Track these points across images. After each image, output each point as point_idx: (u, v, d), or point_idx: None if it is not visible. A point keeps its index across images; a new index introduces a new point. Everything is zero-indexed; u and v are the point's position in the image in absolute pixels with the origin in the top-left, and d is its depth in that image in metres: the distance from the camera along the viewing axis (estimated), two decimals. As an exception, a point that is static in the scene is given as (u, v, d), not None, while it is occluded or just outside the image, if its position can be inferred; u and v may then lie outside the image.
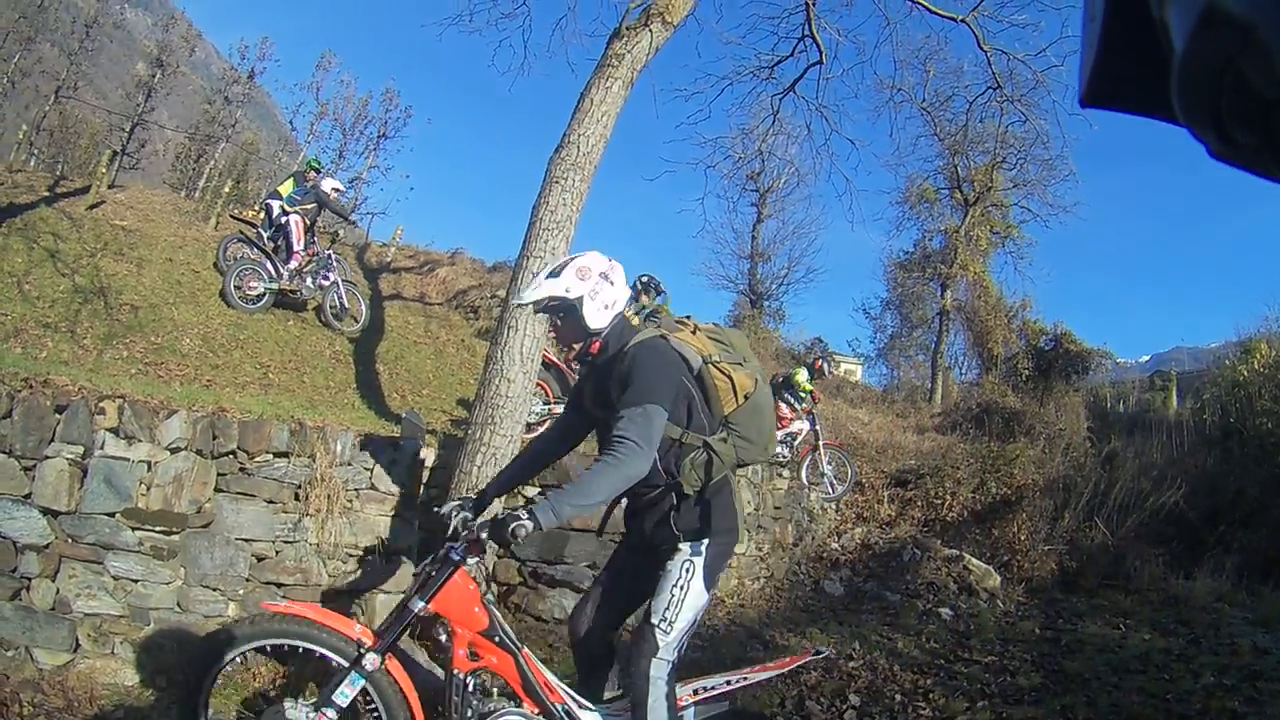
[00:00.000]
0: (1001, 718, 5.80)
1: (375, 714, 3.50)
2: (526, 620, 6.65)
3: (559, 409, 9.25)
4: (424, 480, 6.83)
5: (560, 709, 3.44)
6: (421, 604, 3.35)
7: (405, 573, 6.51)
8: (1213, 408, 19.12)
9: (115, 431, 5.47)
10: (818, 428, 11.55)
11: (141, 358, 9.20)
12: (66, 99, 24.00)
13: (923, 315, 27.83)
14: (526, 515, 3.18)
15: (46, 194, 13.55)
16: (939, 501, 11.87)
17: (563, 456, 4.24)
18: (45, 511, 5.23)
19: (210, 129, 24.47)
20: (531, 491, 7.07)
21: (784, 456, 10.98)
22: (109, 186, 14.58)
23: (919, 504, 11.93)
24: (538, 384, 8.09)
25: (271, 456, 6.06)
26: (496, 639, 3.46)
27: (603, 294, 3.50)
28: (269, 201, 12.14)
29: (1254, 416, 16.56)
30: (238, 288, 10.98)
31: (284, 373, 10.02)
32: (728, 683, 3.67)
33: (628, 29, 7.41)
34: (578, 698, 3.55)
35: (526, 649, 3.51)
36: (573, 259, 3.53)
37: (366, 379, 10.72)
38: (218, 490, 5.87)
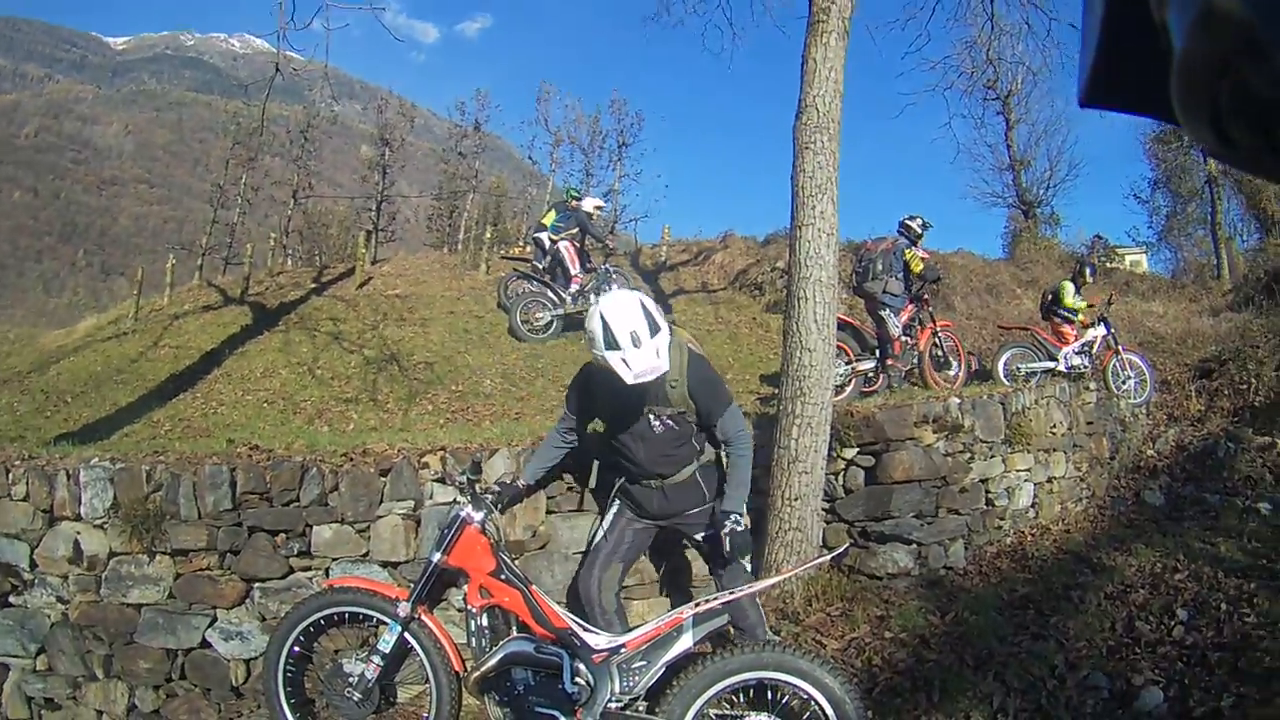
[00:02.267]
0: None
1: (419, 662, 4.19)
2: (860, 579, 6.71)
3: (861, 366, 9.33)
4: (749, 462, 6.97)
5: (566, 634, 3.80)
6: (439, 555, 4.09)
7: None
8: None
9: (443, 481, 5.73)
10: (1113, 331, 10.92)
11: (446, 407, 9.82)
12: (304, 199, 25.84)
13: (1192, 187, 25.84)
14: (741, 521, 4.41)
15: (314, 285, 14.76)
16: (1244, 386, 11.01)
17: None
18: (385, 564, 5.59)
19: (454, 184, 26.03)
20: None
21: (1085, 367, 10.47)
22: (372, 263, 15.69)
23: (1226, 393, 11.12)
24: (838, 345, 8.16)
25: (595, 473, 6.36)
26: (503, 577, 3.98)
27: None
28: (536, 235, 12.88)
29: None
30: (525, 321, 11.59)
31: (588, 393, 10.34)
32: (729, 593, 3.86)
33: (823, -20, 7.30)
34: (583, 623, 3.92)
35: (534, 585, 3.97)
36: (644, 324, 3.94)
37: (668, 378, 10.85)
38: (549, 513, 6.10)
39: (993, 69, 18.65)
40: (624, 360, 3.86)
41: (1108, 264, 16.21)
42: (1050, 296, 11.39)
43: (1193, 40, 0.55)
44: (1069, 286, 11.17)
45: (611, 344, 3.89)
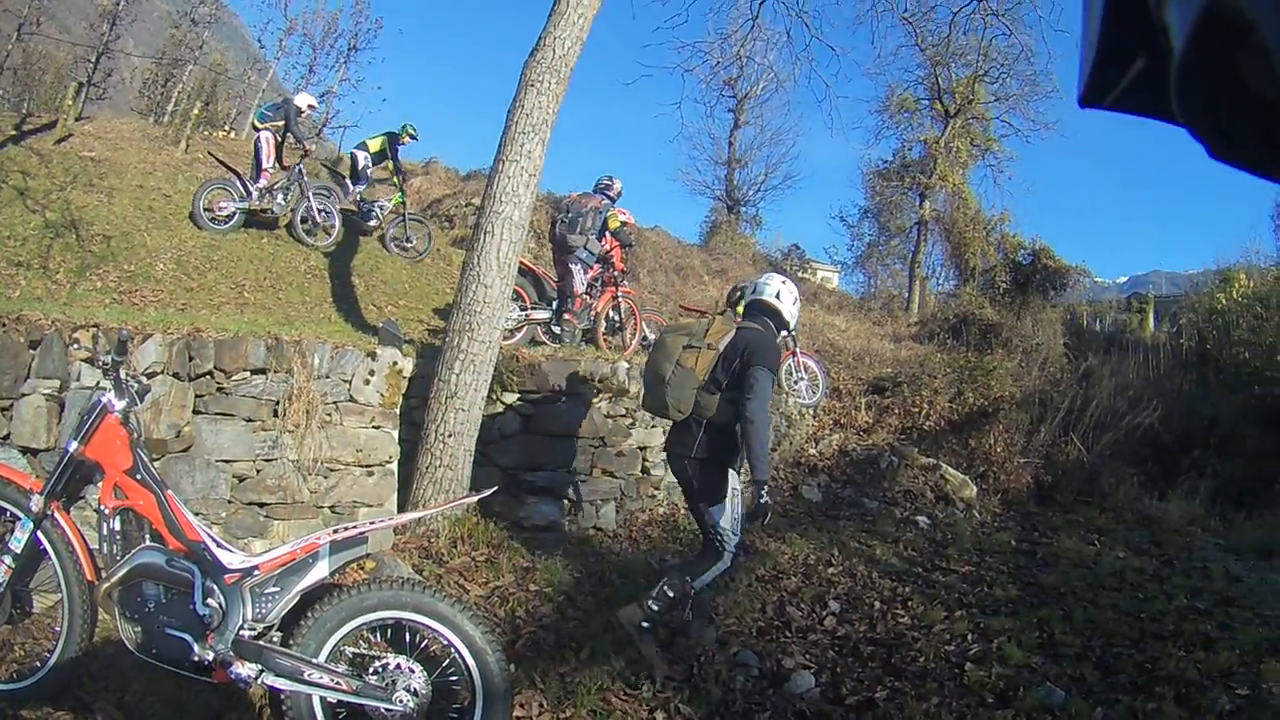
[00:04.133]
0: (979, 628, 5.91)
1: (53, 568, 3.78)
2: (507, 528, 6.69)
3: (536, 314, 9.28)
4: (403, 390, 6.81)
5: (199, 547, 3.57)
6: (75, 444, 3.65)
7: (388, 485, 6.56)
8: (1189, 333, 19.40)
9: (90, 362, 5.37)
10: (794, 334, 11.55)
11: (116, 287, 9.12)
12: (29, 35, 23.26)
13: (900, 224, 27.73)
14: (765, 492, 4.67)
15: (13, 132, 13.29)
16: (916, 410, 11.95)
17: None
18: (25, 450, 5.16)
19: (177, 52, 23.87)
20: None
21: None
22: (76, 119, 14.26)
23: (896, 412, 11.98)
24: (515, 290, 8.09)
25: (249, 374, 6.02)
26: (139, 477, 3.64)
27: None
28: (354, 152, 13.08)
29: (1230, 345, 16.88)
30: (207, 209, 10.86)
31: (259, 291, 9.94)
32: (370, 523, 3.78)
33: (600, -73, 7.22)
34: (217, 538, 3.71)
35: (170, 491, 3.68)
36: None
37: (342, 293, 10.67)
38: (196, 413, 5.84)
39: (739, 67, 19.43)
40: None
41: (800, 274, 17.28)
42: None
43: (1193, 41, 0.55)
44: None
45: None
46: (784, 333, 10.14)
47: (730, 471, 5.02)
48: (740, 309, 6.01)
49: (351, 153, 13.25)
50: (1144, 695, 4.90)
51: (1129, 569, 7.77)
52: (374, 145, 13.01)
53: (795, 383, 11.04)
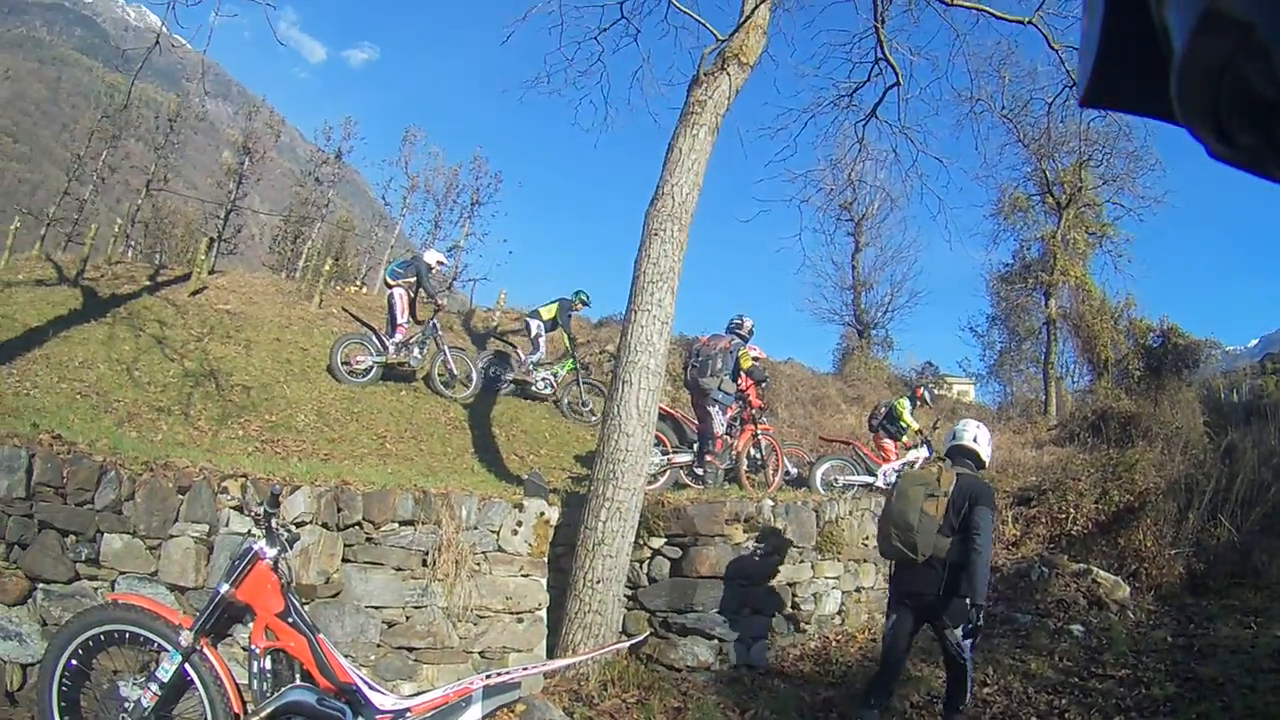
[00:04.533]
0: None
1: (198, 698, 3.90)
2: (659, 669, 6.61)
3: (678, 458, 9.28)
4: (550, 539, 6.88)
5: (350, 689, 3.66)
6: (227, 586, 3.83)
7: (538, 631, 6.58)
8: (1328, 388, 18.25)
9: (240, 510, 5.61)
10: (935, 454, 11.31)
11: (257, 436, 9.45)
12: (157, 191, 24.97)
13: (1029, 327, 27.16)
14: (980, 615, 5.13)
15: (148, 283, 14.16)
16: (1062, 516, 11.50)
17: None
18: (173, 588, 5.43)
19: (304, 210, 25.21)
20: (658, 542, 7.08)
21: (902, 487, 10.79)
22: (209, 273, 15.16)
23: (1043, 520, 11.56)
24: (655, 435, 8.15)
25: (397, 525, 6.18)
26: (291, 621, 3.79)
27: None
28: (528, 320, 13.42)
29: (1372, 395, 15.73)
30: (345, 363, 11.29)
31: (401, 442, 10.17)
32: (523, 669, 3.89)
33: (706, 75, 7.49)
34: (369, 680, 3.78)
35: (321, 634, 3.79)
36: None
37: (483, 442, 10.83)
38: (345, 560, 6.01)
39: (852, 190, 19.47)
40: None
41: (936, 391, 17.02)
42: (885, 411, 11.78)
43: (1193, 40, 0.55)
44: (907, 404, 11.58)
45: None
46: (926, 454, 9.92)
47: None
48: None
49: (525, 320, 13.48)
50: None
51: None
52: (547, 313, 13.23)
53: (939, 503, 10.78)
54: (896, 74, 10.13)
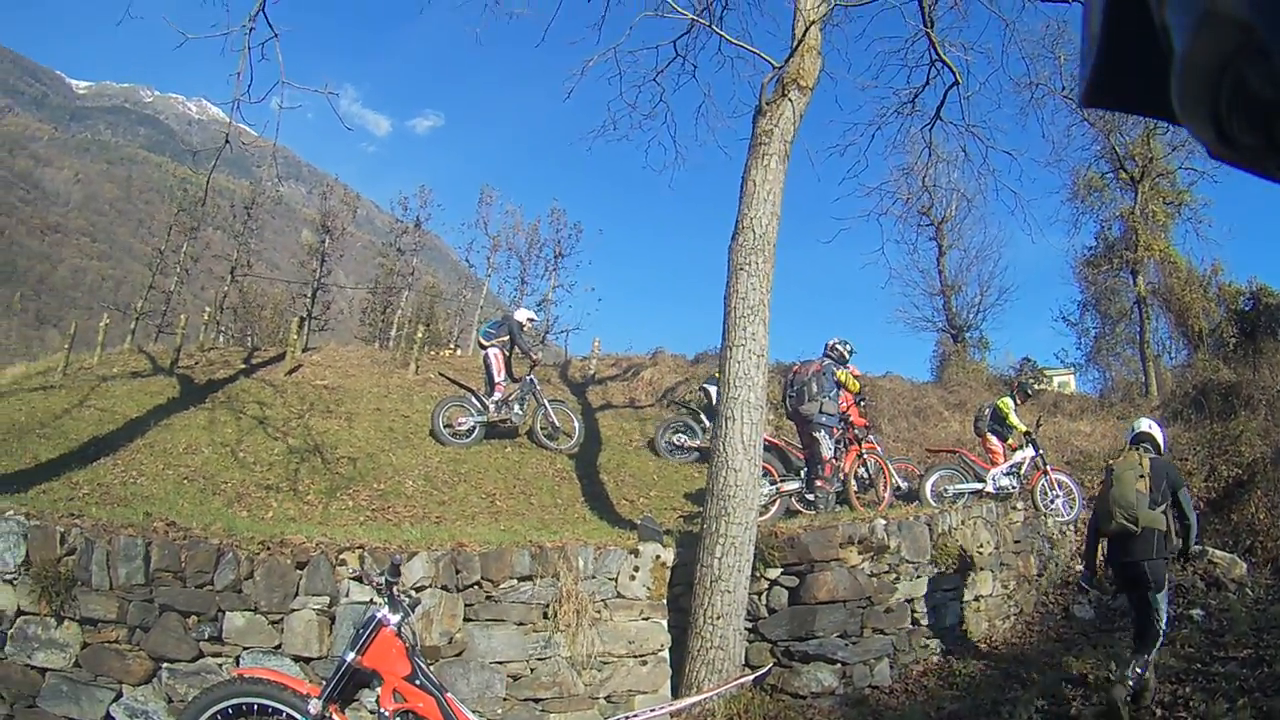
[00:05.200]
0: (1262, 713, 5.60)
1: None
2: (784, 699, 6.62)
3: (787, 486, 9.28)
4: (668, 580, 6.94)
5: None
6: (353, 654, 3.93)
7: (662, 672, 6.62)
8: None
9: (360, 580, 5.77)
10: (1041, 452, 11.11)
11: (368, 505, 9.62)
12: (242, 277, 25.70)
13: (1121, 308, 26.44)
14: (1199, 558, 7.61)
15: (243, 366, 14.64)
16: (1173, 498, 11.21)
17: None
18: (297, 659, 5.60)
19: (390, 280, 25.78)
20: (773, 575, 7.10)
21: (1013, 488, 10.58)
22: (303, 350, 15.56)
23: (1159, 504, 11.27)
24: (763, 466, 8.17)
25: (515, 581, 6.30)
26: (418, 683, 3.89)
27: None
28: (706, 388, 12.82)
29: None
30: (447, 425, 11.51)
31: (510, 498, 10.30)
32: (650, 710, 3.89)
33: (768, 104, 7.57)
34: None
35: (449, 693, 3.87)
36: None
37: (592, 490, 10.92)
38: (466, 620, 6.13)
39: (928, 195, 19.23)
40: None
41: (1036, 385, 16.68)
42: (989, 413, 11.60)
43: (1193, 41, 0.56)
44: (1010, 404, 11.38)
45: None
46: (1033, 454, 9.80)
47: None
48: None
49: (703, 389, 13.15)
50: None
51: None
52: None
53: (1051, 501, 10.56)
54: (954, 73, 10.09)
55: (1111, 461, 7.52)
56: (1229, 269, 23.17)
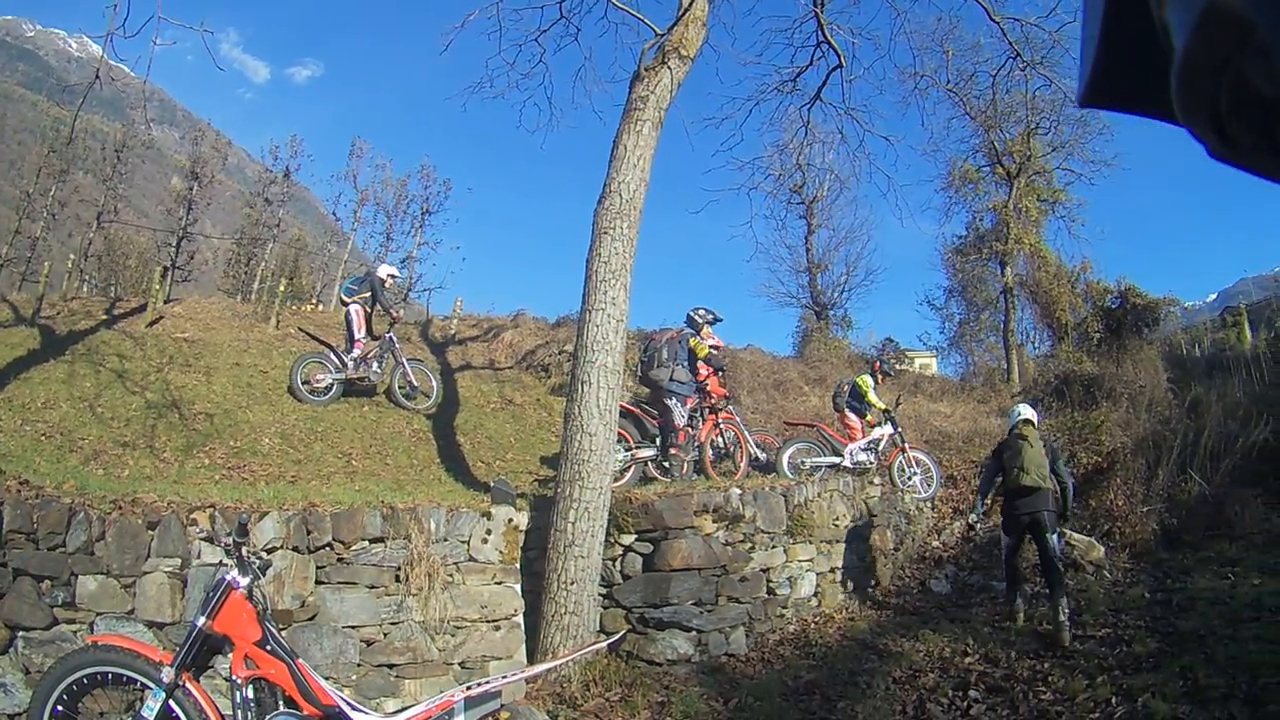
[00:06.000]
0: (1122, 689, 5.76)
1: None
2: (639, 665, 6.64)
3: (642, 453, 9.26)
4: (521, 544, 6.87)
5: (334, 711, 3.68)
6: (204, 619, 3.83)
7: (516, 637, 6.57)
8: (1287, 334, 18.56)
9: (210, 541, 5.52)
10: (899, 429, 11.38)
11: (224, 463, 9.33)
12: (109, 223, 24.58)
13: (987, 297, 27.42)
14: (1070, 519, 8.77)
15: (105, 317, 13.96)
16: (1030, 483, 11.66)
17: None
18: (150, 624, 5.38)
19: (256, 231, 24.87)
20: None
21: (871, 463, 10.82)
22: (165, 302, 14.97)
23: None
24: (619, 432, 8.14)
25: (367, 543, 6.16)
26: (269, 648, 3.81)
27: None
28: (347, 310, 12.43)
29: (1330, 337, 15.99)
30: (305, 382, 11.20)
31: (366, 458, 10.10)
32: (503, 677, 3.88)
33: (647, 70, 7.49)
34: (351, 701, 3.81)
35: (301, 659, 3.80)
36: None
37: (449, 452, 10.77)
38: (319, 583, 5.98)
39: (801, 174, 19.54)
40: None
41: (897, 365, 17.18)
42: (848, 389, 11.82)
43: (1194, 40, 0.55)
44: (869, 381, 11.61)
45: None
46: (892, 431, 10.23)
47: None
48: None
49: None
50: (1300, 723, 4.65)
51: (1265, 594, 7.43)
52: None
53: (909, 479, 10.85)
54: (839, 56, 10.19)
55: (1014, 431, 8.51)
56: (1099, 267, 24.26)
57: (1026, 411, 8.62)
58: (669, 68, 7.45)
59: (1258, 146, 0.57)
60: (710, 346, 9.76)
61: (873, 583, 9.17)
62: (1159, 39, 0.60)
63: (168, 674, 3.80)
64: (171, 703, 3.84)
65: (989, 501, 9.10)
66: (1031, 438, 8.16)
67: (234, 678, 3.80)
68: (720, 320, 10.14)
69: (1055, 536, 7.86)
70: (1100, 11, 0.67)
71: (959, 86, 13.23)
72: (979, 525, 10.12)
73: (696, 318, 9.95)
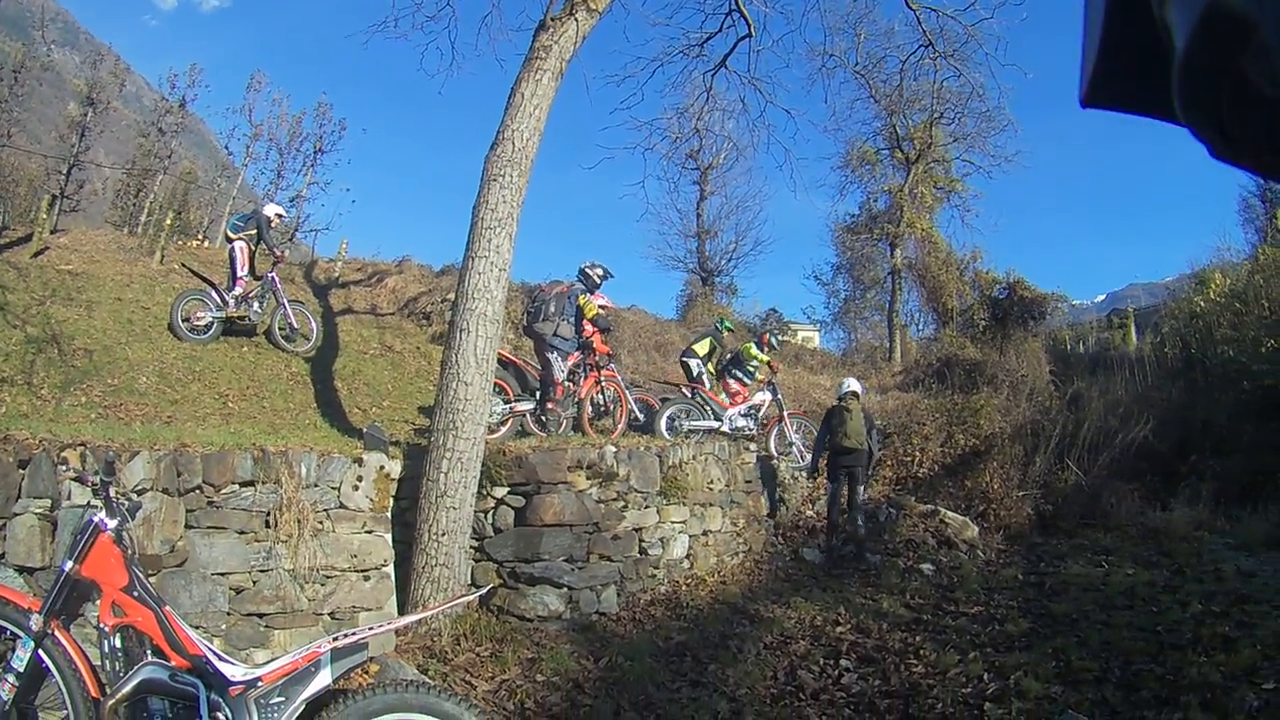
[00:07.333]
0: (994, 666, 5.90)
1: (55, 686, 3.74)
2: (510, 620, 6.63)
3: (520, 406, 9.22)
4: (393, 493, 6.79)
5: (201, 661, 3.59)
6: (71, 563, 3.67)
7: (386, 588, 6.51)
8: (1172, 341, 19.42)
9: (80, 481, 5.28)
10: (780, 397, 11.55)
11: (100, 401, 9.00)
12: (1, 148, 23.37)
13: (874, 276, 28.08)
14: (874, 471, 11.52)
15: (-11, 246, 13.25)
16: (909, 459, 12.05)
17: None
18: (21, 569, 5.10)
19: (147, 162, 23.75)
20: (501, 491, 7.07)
21: (750, 430, 10.99)
22: (51, 232, 14.24)
23: (889, 463, 12.11)
24: (497, 383, 8.08)
25: (237, 487, 6.01)
26: (136, 594, 3.68)
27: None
28: (685, 361, 12.31)
29: (1214, 345, 16.78)
30: (185, 319, 10.84)
31: (243, 400, 9.89)
32: (371, 629, 3.83)
33: (553, 20, 7.39)
34: (218, 652, 3.72)
35: (168, 606, 3.69)
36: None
37: (326, 397, 10.63)
38: (188, 527, 5.80)
39: (698, 139, 19.58)
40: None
41: (781, 337, 17.50)
42: (730, 356, 11.96)
43: (1195, 39, 0.55)
44: (755, 349, 11.72)
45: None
46: (771, 398, 10.60)
47: None
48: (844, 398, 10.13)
49: (683, 362, 12.56)
50: (1169, 707, 4.92)
51: (1139, 583, 7.82)
52: (701, 349, 12.29)
53: (788, 446, 11.04)
54: (749, 26, 10.20)
55: (840, 402, 10.14)
56: (989, 258, 25.01)
57: (854, 385, 10.40)
58: (576, 19, 7.36)
59: (1259, 146, 0.58)
60: (599, 306, 9.72)
61: (745, 548, 9.33)
62: (1160, 39, 0.61)
63: (36, 621, 3.63)
64: (40, 652, 3.67)
65: (823, 456, 10.36)
66: (854, 409, 9.91)
67: (102, 625, 3.64)
68: (612, 277, 10.11)
69: (862, 487, 9.92)
70: (1101, 11, 0.68)
71: (867, 70, 13.43)
72: (816, 476, 10.93)
73: (592, 274, 9.87)
